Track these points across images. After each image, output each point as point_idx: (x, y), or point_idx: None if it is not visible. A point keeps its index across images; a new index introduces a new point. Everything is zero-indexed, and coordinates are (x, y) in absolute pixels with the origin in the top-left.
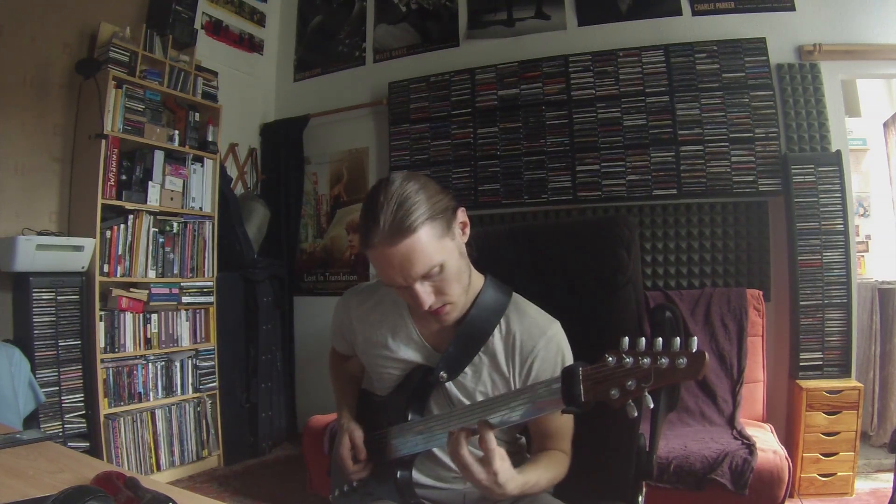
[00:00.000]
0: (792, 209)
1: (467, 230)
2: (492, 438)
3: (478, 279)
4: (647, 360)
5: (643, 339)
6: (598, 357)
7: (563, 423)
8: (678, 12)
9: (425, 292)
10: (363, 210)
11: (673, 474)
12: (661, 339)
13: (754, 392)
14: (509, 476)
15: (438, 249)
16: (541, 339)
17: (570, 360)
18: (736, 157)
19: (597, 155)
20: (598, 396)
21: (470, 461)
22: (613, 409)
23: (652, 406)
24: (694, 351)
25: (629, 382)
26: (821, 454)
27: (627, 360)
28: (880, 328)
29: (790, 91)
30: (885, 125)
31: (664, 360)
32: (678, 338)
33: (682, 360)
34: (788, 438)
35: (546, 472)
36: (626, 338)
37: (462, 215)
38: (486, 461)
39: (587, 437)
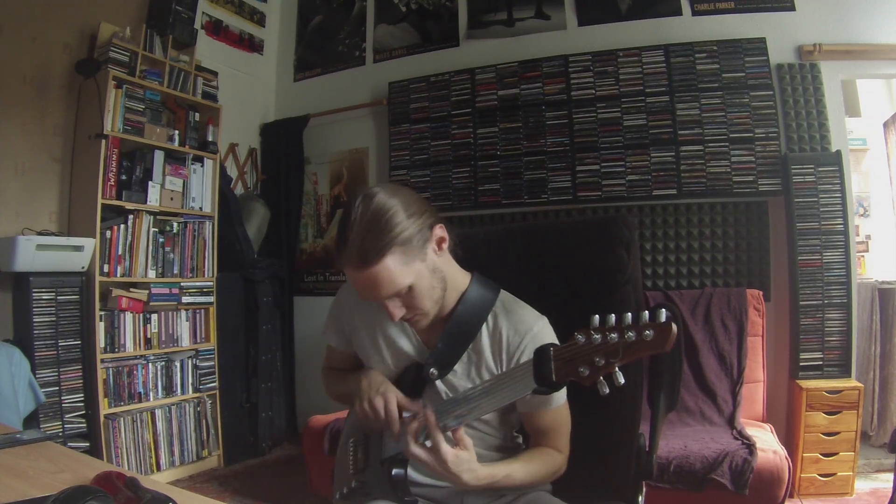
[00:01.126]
0: (792, 209)
1: (445, 245)
2: (437, 435)
3: (464, 278)
4: (614, 336)
5: (612, 315)
6: (569, 336)
7: (556, 420)
8: (678, 12)
9: (394, 307)
10: (337, 227)
11: (673, 474)
12: (629, 314)
13: (754, 392)
14: (465, 466)
15: (406, 274)
16: (527, 334)
17: None
18: (736, 157)
19: (597, 155)
20: (569, 375)
21: (420, 453)
22: (585, 388)
23: (623, 382)
24: (661, 322)
25: (598, 358)
26: (821, 454)
27: (596, 336)
28: (880, 328)
29: (790, 91)
30: (885, 125)
31: (631, 334)
32: (646, 311)
33: (649, 332)
34: (788, 438)
35: (525, 466)
36: (596, 316)
37: (440, 231)
38: (433, 450)
39: (587, 436)
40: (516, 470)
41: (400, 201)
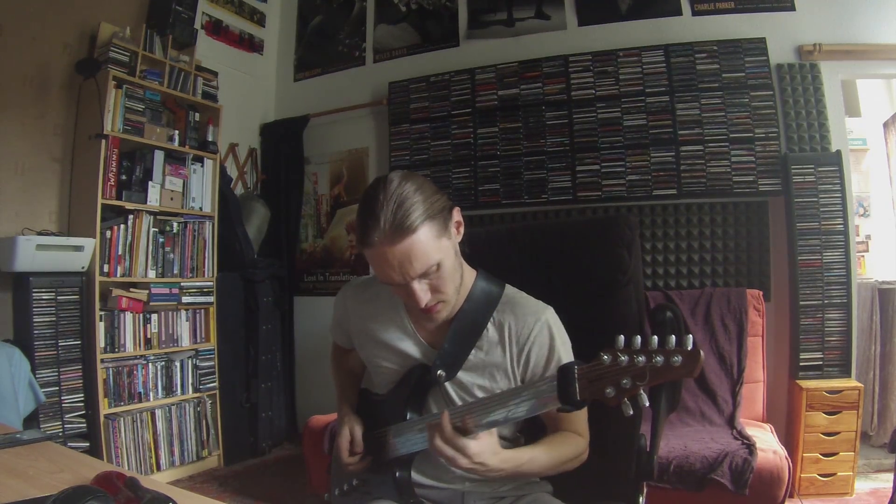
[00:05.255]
0: (792, 209)
1: (461, 229)
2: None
3: (469, 274)
4: (642, 359)
5: (638, 337)
6: (594, 355)
7: None
8: (678, 12)
9: (422, 290)
10: (361, 209)
11: (673, 474)
12: (656, 337)
13: (754, 392)
14: (489, 454)
15: (436, 248)
16: (535, 325)
17: (564, 344)
18: (736, 157)
19: (597, 155)
20: (594, 395)
21: (446, 450)
22: (609, 408)
23: (647, 404)
24: (689, 349)
25: (624, 381)
26: (821, 454)
27: (623, 358)
28: (880, 328)
29: (790, 91)
30: (885, 125)
31: (659, 359)
32: (674, 336)
33: (678, 358)
34: (788, 438)
35: (548, 451)
36: (622, 336)
37: (457, 215)
38: (456, 445)
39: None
40: (539, 454)
41: (420, 184)
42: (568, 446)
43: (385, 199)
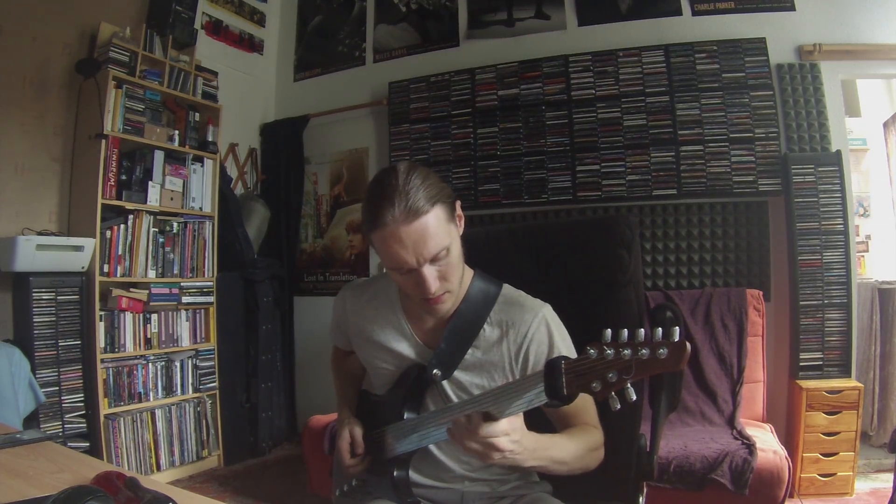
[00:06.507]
0: (792, 209)
1: (462, 223)
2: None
3: (466, 274)
4: (627, 352)
5: (625, 330)
6: (581, 350)
7: (580, 401)
8: (678, 12)
9: (432, 276)
10: (371, 194)
11: (673, 474)
12: (642, 330)
13: (754, 392)
14: (521, 432)
15: (447, 232)
16: (533, 322)
17: (564, 339)
18: (736, 157)
19: (597, 155)
20: (581, 389)
21: (476, 446)
22: (597, 402)
23: (635, 398)
24: (675, 340)
25: (610, 374)
26: (821, 454)
27: (609, 352)
28: (880, 328)
29: (790, 91)
30: (885, 125)
31: (644, 351)
32: (660, 328)
33: (663, 351)
34: (788, 438)
35: (571, 440)
36: (609, 330)
37: (459, 208)
38: (485, 442)
39: None
40: (562, 440)
41: (427, 173)
42: (588, 435)
43: (397, 184)
